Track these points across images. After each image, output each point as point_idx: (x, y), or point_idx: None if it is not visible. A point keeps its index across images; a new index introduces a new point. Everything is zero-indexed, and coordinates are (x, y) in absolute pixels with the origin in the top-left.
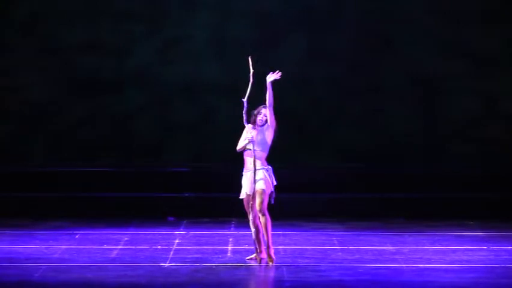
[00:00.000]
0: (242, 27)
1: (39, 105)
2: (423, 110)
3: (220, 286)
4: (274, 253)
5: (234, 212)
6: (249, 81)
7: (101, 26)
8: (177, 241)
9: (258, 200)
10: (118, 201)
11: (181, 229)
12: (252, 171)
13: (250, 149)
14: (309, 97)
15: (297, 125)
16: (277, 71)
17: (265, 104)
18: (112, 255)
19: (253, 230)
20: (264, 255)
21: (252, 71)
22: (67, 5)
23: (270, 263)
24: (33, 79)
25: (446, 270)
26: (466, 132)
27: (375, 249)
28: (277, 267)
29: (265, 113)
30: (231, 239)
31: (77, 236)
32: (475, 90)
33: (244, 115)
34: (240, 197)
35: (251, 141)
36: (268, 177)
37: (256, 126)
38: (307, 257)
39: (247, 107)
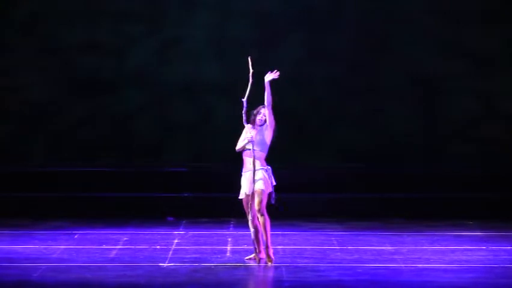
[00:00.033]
0: (242, 27)
1: (39, 105)
2: (423, 110)
3: (219, 286)
4: (273, 253)
5: (233, 212)
6: (248, 81)
7: (101, 26)
8: (176, 241)
9: (256, 200)
10: (118, 201)
11: (180, 229)
12: (251, 172)
13: (249, 149)
14: (309, 97)
15: (297, 125)
16: (275, 70)
17: (264, 103)
18: (111, 255)
19: (252, 230)
20: (263, 255)
21: (251, 71)
22: (67, 5)
23: (269, 263)
24: (33, 79)
25: (445, 270)
26: (465, 132)
27: (374, 249)
28: (276, 267)
29: (265, 112)
30: (230, 239)
31: (76, 236)
32: (474, 90)
33: (243, 115)
34: (239, 197)
35: (250, 141)
36: (267, 177)
37: (256, 126)
38: (306, 257)
39: (247, 107)
